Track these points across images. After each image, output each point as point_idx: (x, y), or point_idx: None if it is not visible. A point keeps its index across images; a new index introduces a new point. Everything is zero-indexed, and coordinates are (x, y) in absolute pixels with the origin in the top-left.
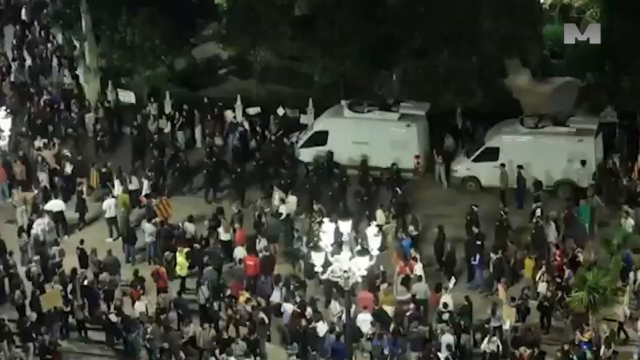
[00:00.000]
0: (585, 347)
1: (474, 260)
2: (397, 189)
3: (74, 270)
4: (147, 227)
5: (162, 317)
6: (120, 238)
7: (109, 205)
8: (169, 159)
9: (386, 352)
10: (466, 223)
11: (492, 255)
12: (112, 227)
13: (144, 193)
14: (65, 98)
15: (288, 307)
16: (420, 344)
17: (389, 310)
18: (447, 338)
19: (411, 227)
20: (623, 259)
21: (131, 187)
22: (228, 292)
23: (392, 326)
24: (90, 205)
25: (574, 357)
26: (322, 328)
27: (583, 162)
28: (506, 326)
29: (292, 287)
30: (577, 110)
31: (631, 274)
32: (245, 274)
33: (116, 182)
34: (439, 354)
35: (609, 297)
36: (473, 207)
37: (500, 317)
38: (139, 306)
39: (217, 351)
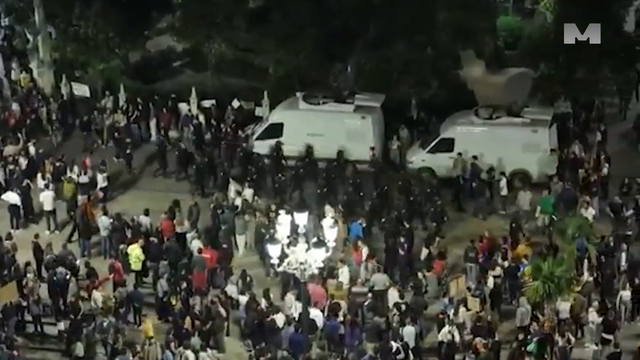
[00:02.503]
0: (539, 337)
1: (402, 249)
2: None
3: (27, 264)
4: (102, 220)
5: (120, 310)
6: (57, 232)
7: (46, 198)
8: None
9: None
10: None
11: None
12: (50, 220)
13: (99, 187)
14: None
15: (243, 300)
16: (377, 333)
17: (342, 304)
18: (409, 330)
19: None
20: (577, 248)
21: (82, 179)
22: (184, 285)
23: (347, 317)
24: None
25: (530, 347)
26: (279, 320)
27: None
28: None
29: (247, 279)
30: (531, 101)
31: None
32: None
33: (73, 175)
34: (393, 343)
35: (564, 287)
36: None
37: (455, 306)
38: (97, 296)
39: (172, 344)
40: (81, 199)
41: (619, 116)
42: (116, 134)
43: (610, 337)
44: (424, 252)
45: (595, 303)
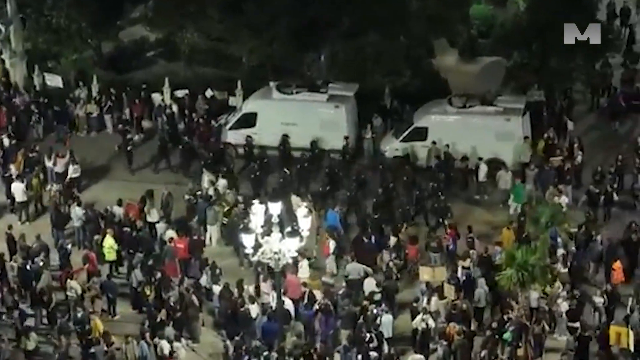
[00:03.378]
0: (513, 324)
1: (370, 238)
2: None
3: (1, 256)
4: (76, 211)
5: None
6: (28, 222)
7: (16, 190)
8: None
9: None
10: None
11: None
12: (22, 211)
13: (69, 177)
14: None
15: (216, 289)
16: (351, 321)
17: (318, 294)
18: (387, 318)
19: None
20: (551, 236)
21: (57, 169)
22: (159, 275)
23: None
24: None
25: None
26: (253, 309)
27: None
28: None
29: (217, 271)
30: (504, 89)
31: None
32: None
33: (48, 163)
34: (365, 331)
35: (538, 275)
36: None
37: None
38: (74, 284)
39: (147, 335)
40: (55, 188)
41: (591, 107)
42: (120, 126)
43: (577, 324)
44: (393, 239)
45: (564, 293)
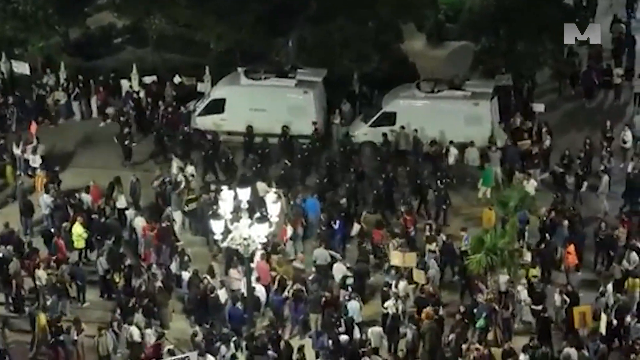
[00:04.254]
0: (483, 309)
1: (334, 224)
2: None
3: None
4: (44, 198)
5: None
6: None
7: None
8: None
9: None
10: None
11: None
12: None
13: (33, 166)
14: None
15: (186, 276)
16: (320, 306)
17: (277, 277)
18: (354, 304)
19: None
20: (519, 220)
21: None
22: (128, 261)
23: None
24: None
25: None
26: (222, 295)
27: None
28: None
29: (185, 258)
30: (472, 74)
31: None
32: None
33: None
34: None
35: (507, 259)
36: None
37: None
38: (41, 274)
39: (115, 324)
40: (22, 177)
41: (559, 93)
42: (122, 118)
43: (539, 307)
44: (356, 227)
45: (524, 280)
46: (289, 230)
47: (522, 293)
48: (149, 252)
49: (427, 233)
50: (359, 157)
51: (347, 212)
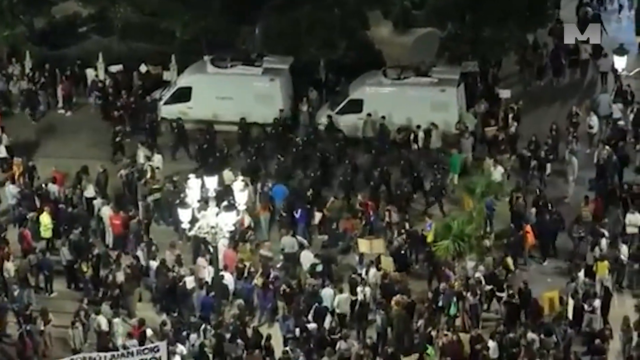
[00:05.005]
0: (450, 295)
1: (296, 213)
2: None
3: None
4: (10, 189)
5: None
6: None
7: None
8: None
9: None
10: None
11: None
12: None
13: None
14: None
15: (153, 265)
16: (289, 295)
17: (245, 265)
18: (328, 292)
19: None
20: (486, 206)
21: None
22: (96, 251)
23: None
24: None
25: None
26: (190, 283)
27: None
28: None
29: (152, 248)
30: (438, 60)
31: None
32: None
33: None
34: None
35: (474, 245)
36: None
37: (367, 266)
38: (9, 266)
39: (82, 314)
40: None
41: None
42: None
43: (503, 294)
44: (317, 215)
45: (481, 267)
46: (247, 219)
47: (472, 280)
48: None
49: (387, 219)
50: (324, 144)
51: (309, 200)
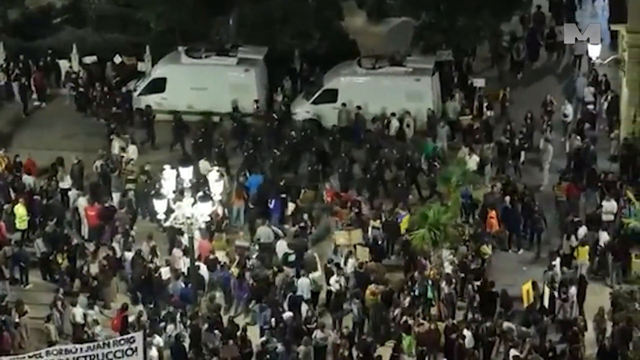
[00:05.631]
0: (427, 283)
1: (270, 203)
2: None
3: None
4: None
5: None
6: None
7: None
8: None
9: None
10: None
11: None
12: None
13: None
14: None
15: (128, 256)
16: (265, 284)
17: (220, 255)
18: (304, 282)
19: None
20: (462, 195)
21: None
22: (75, 241)
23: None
24: None
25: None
26: (166, 274)
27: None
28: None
29: (129, 238)
30: (413, 50)
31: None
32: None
33: None
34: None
35: (450, 234)
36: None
37: (343, 256)
38: None
39: (59, 304)
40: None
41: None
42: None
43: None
44: (291, 206)
45: (450, 256)
46: (219, 210)
47: (447, 268)
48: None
49: (357, 210)
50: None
51: (283, 191)
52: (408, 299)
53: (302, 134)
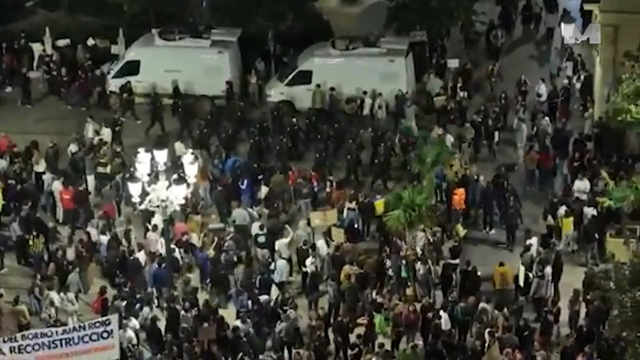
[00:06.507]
0: (401, 263)
1: (242, 184)
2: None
3: None
4: None
5: None
6: None
7: None
8: None
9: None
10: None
11: None
12: None
13: None
14: None
15: (104, 239)
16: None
17: (194, 238)
18: (281, 264)
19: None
20: (436, 176)
21: None
22: (51, 224)
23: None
24: None
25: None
26: (141, 257)
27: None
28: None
29: (110, 220)
30: (387, 30)
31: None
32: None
33: None
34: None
35: (425, 215)
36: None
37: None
38: None
39: (36, 290)
40: None
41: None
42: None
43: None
44: (264, 189)
45: (425, 237)
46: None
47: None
48: (112, 206)
49: (328, 189)
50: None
51: (255, 173)
52: (382, 279)
53: (274, 116)
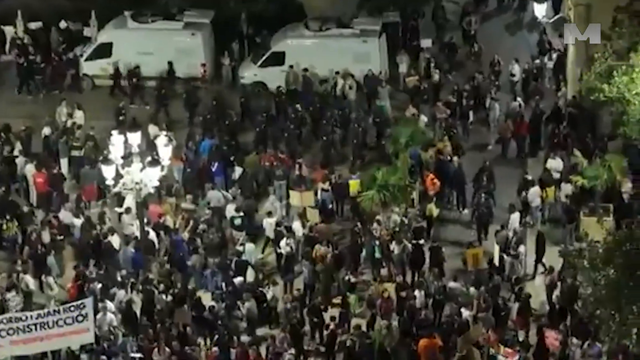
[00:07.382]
0: (374, 244)
1: (213, 166)
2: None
3: None
4: None
5: None
6: None
7: None
8: None
9: None
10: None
11: None
12: None
13: None
14: None
15: (77, 222)
16: (215, 249)
17: (170, 220)
18: (250, 246)
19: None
20: (411, 156)
21: None
22: (25, 209)
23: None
24: None
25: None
26: (116, 240)
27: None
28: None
29: (82, 204)
30: (360, 11)
31: None
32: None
33: None
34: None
35: (399, 195)
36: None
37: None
38: None
39: (15, 275)
40: None
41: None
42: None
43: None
44: (238, 170)
45: (399, 217)
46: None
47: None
48: (92, 188)
49: (297, 172)
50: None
51: (227, 155)
52: (356, 259)
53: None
